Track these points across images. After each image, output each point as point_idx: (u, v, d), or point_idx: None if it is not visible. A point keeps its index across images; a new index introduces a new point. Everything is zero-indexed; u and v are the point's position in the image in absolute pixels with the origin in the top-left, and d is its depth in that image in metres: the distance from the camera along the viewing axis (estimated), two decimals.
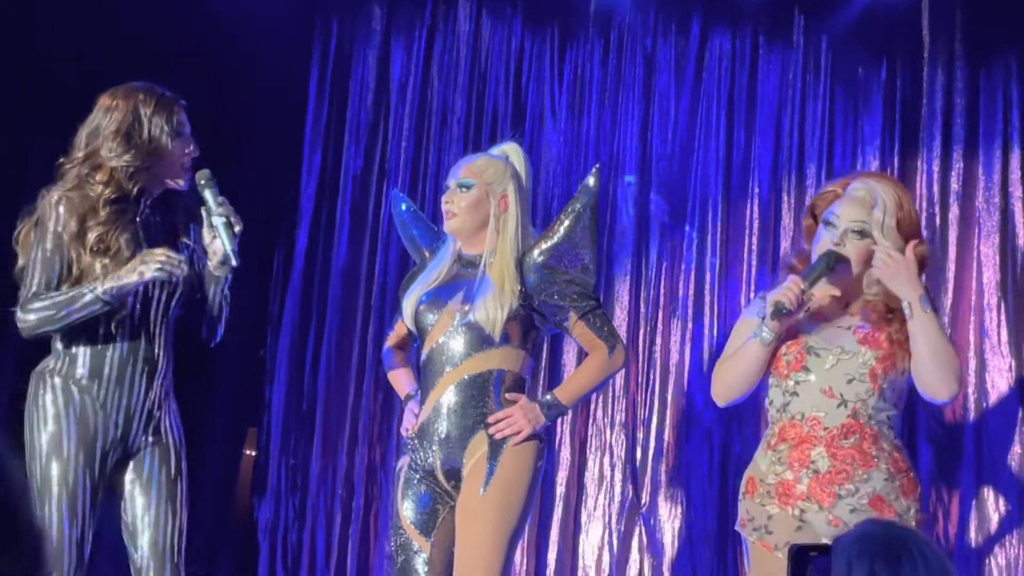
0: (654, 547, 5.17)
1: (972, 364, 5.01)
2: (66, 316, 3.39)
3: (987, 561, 4.88)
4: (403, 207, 3.97)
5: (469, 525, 3.47)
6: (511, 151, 3.73)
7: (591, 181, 3.61)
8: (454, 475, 3.55)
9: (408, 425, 3.69)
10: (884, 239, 3.33)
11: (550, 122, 5.53)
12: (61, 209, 3.44)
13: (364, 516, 5.40)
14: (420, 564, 3.56)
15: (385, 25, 5.69)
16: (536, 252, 3.59)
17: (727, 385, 3.47)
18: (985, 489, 4.93)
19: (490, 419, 3.52)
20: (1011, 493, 4.90)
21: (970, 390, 5.01)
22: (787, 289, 3.32)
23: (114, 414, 3.45)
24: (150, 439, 3.51)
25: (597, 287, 3.66)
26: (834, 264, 3.36)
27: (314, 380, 5.55)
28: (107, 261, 3.43)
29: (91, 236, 3.43)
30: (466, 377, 3.55)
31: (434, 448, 3.56)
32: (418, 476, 3.60)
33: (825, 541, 3.16)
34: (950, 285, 5.09)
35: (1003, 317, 5.01)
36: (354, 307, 5.56)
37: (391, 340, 3.90)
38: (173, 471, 3.53)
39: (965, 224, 5.13)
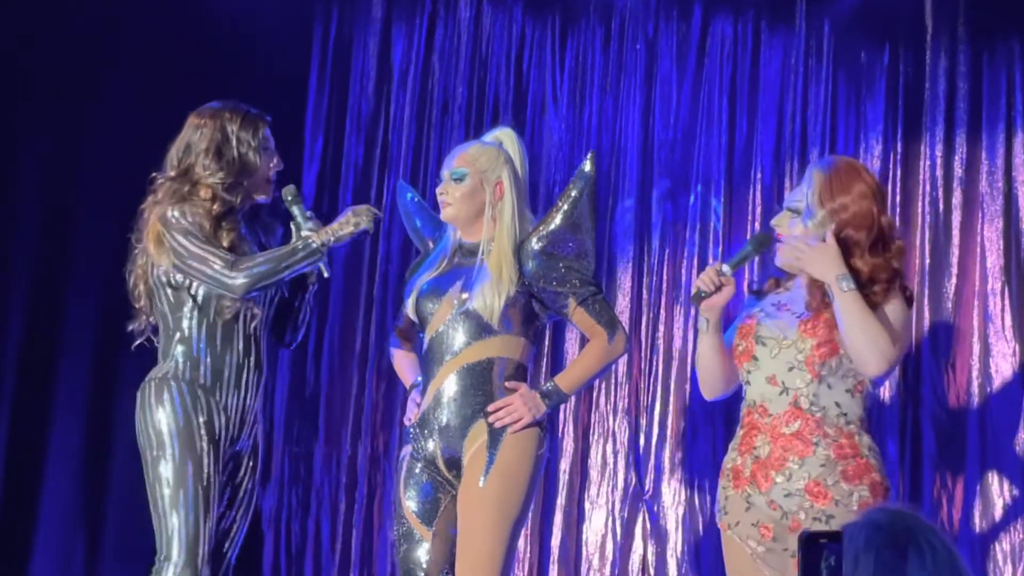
0: (657, 534, 5.16)
1: (976, 349, 5.00)
2: (286, 268, 3.52)
3: (992, 547, 4.87)
4: (408, 197, 3.98)
5: (470, 515, 3.46)
6: (505, 137, 3.72)
7: (587, 167, 3.58)
8: (455, 464, 3.54)
9: (410, 414, 3.69)
10: (810, 220, 3.33)
11: (551, 109, 5.50)
12: (188, 215, 3.52)
13: (368, 505, 5.40)
14: (422, 554, 3.55)
15: (385, 13, 5.66)
16: (534, 239, 3.57)
17: (701, 380, 3.54)
18: (989, 475, 4.92)
19: (489, 408, 3.51)
20: (1016, 478, 4.89)
21: (974, 375, 4.99)
22: (704, 275, 3.39)
23: (234, 416, 3.56)
24: (250, 444, 3.64)
25: (596, 273, 3.65)
26: (760, 246, 3.42)
27: (317, 369, 5.54)
28: None
29: (225, 243, 3.53)
30: (466, 365, 3.53)
31: (434, 437, 3.55)
32: (420, 465, 3.59)
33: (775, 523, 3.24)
34: (954, 270, 5.07)
35: (1007, 302, 4.99)
36: (356, 296, 5.54)
37: (398, 331, 3.89)
38: (257, 479, 3.70)
39: (968, 209, 5.10)
